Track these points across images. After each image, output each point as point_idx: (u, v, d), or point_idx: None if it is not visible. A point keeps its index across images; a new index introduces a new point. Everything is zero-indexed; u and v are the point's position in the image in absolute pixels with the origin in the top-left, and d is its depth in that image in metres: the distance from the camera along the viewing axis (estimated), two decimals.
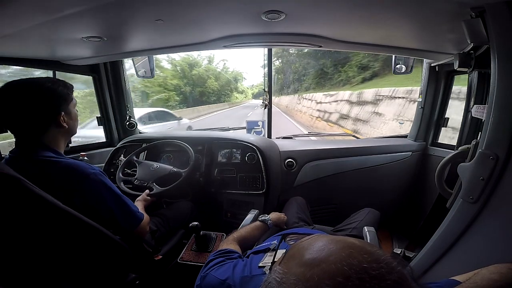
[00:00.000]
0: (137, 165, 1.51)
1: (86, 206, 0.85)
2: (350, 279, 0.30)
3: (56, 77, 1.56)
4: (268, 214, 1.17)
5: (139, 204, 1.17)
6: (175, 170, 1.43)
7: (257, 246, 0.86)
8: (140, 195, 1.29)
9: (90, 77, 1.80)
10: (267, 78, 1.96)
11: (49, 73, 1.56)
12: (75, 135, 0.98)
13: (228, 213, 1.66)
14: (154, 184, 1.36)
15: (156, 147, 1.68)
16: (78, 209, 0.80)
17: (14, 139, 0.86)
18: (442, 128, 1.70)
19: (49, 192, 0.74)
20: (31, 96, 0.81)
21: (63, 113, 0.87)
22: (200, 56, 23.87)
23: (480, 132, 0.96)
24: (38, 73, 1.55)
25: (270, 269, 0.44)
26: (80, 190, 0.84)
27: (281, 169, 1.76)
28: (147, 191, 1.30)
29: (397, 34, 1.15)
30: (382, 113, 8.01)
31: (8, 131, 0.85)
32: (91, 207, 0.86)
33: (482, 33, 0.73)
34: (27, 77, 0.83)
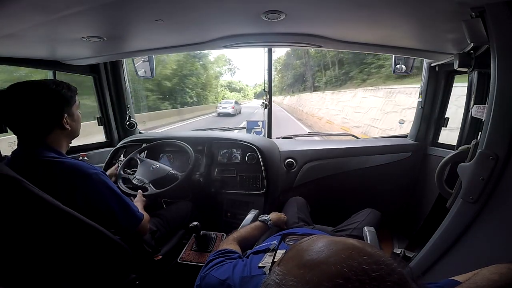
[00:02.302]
0: (138, 162, 1.51)
1: (88, 206, 0.85)
2: (350, 281, 0.30)
3: (56, 78, 1.57)
4: (268, 214, 1.17)
5: (138, 205, 1.17)
6: (173, 172, 1.43)
7: (257, 246, 0.86)
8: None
9: None
10: (267, 78, 1.96)
11: (49, 73, 1.56)
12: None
13: (228, 213, 1.66)
14: (150, 185, 1.36)
15: (156, 147, 1.68)
16: (80, 209, 0.81)
17: (9, 137, 0.86)
18: None
19: (52, 192, 0.74)
20: (36, 97, 0.82)
21: (66, 115, 0.87)
22: None
23: (480, 132, 0.96)
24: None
25: (269, 270, 0.44)
26: (82, 190, 0.84)
27: (281, 169, 1.76)
28: (140, 191, 1.29)
29: (397, 34, 1.15)
30: None
31: (8, 131, 0.86)
32: (93, 207, 0.86)
33: (482, 33, 0.73)
34: (32, 79, 0.84)
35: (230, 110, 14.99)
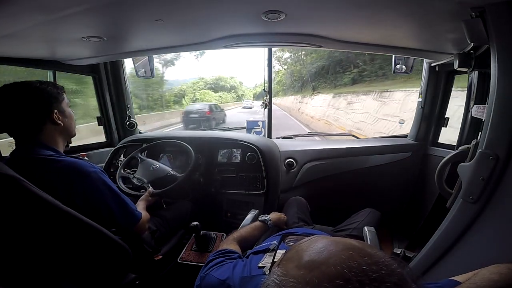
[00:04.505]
0: (139, 161, 1.51)
1: (87, 205, 0.85)
2: (350, 282, 0.30)
3: (56, 78, 1.57)
4: (268, 214, 1.17)
5: (141, 204, 1.17)
6: (172, 173, 1.42)
7: (257, 246, 0.86)
8: (137, 194, 1.29)
9: None
10: (267, 78, 1.96)
11: (49, 74, 1.56)
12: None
13: (228, 213, 1.66)
14: (149, 185, 1.35)
15: (156, 147, 1.68)
16: (79, 207, 0.81)
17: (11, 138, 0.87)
18: None
19: (50, 191, 0.74)
20: (20, 96, 0.82)
21: (56, 111, 0.88)
22: None
23: (480, 132, 0.96)
24: None
25: (269, 270, 0.44)
26: (81, 189, 0.84)
27: (281, 169, 1.76)
28: (150, 190, 1.29)
29: (397, 34, 1.15)
30: None
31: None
32: (91, 205, 0.86)
33: (482, 33, 0.73)
34: (15, 81, 0.85)
35: (250, 105, 23.15)
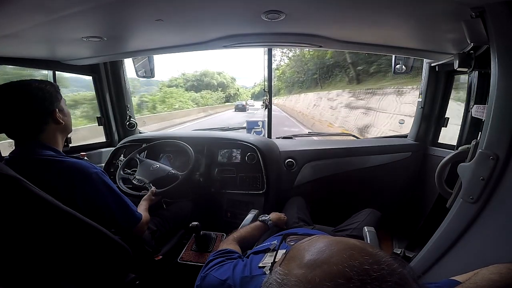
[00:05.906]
0: (138, 162, 1.51)
1: (87, 205, 0.85)
2: (352, 281, 0.30)
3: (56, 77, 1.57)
4: (268, 214, 1.17)
5: (144, 204, 1.17)
6: (173, 172, 1.42)
7: (257, 246, 0.86)
8: (138, 194, 1.29)
9: None
10: (267, 78, 1.96)
11: (49, 73, 1.56)
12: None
13: (228, 213, 1.66)
14: (150, 185, 1.35)
15: (156, 147, 1.68)
16: (80, 208, 0.81)
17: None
18: None
19: (51, 191, 0.74)
20: (22, 97, 0.81)
21: (57, 109, 0.88)
22: None
23: (480, 132, 0.96)
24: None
25: (270, 269, 0.44)
26: (82, 189, 0.84)
27: (281, 169, 1.76)
28: (153, 189, 1.29)
29: (397, 34, 1.15)
30: None
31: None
32: (92, 206, 0.86)
33: (482, 33, 0.73)
34: (11, 81, 0.83)
35: (252, 103, 25.87)
